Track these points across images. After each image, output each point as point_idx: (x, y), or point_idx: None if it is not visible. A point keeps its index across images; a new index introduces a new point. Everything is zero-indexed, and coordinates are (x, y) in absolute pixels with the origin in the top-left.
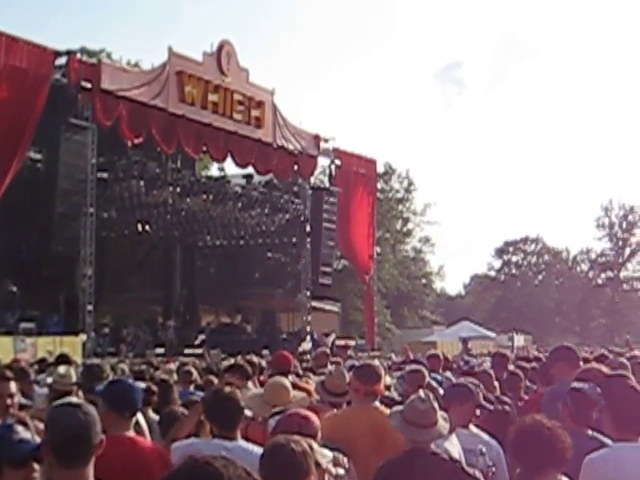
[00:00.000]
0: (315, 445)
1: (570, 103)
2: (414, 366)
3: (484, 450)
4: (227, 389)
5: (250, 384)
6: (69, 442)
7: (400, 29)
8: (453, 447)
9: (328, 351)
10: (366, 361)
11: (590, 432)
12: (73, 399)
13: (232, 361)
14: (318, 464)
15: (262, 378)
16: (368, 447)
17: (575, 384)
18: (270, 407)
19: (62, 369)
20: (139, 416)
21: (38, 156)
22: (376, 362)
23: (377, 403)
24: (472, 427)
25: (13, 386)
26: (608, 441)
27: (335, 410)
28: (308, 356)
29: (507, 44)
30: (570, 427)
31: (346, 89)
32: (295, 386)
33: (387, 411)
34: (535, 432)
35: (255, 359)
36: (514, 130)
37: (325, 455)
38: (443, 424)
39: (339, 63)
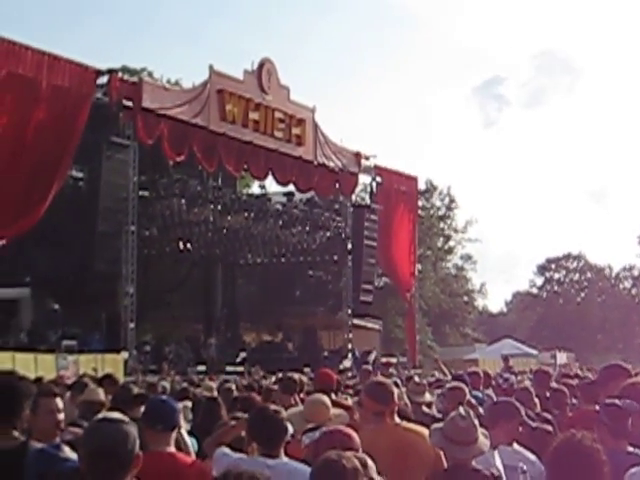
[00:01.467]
0: (370, 462)
1: (611, 121)
2: (454, 383)
3: (525, 468)
4: (273, 407)
5: (292, 401)
6: (101, 457)
7: (440, 44)
8: (495, 464)
9: (370, 368)
10: (377, 379)
11: (630, 448)
12: (113, 414)
13: (273, 379)
14: None
15: (302, 396)
16: (390, 466)
17: (610, 399)
18: (310, 425)
19: (92, 385)
20: (184, 433)
21: (80, 174)
22: (416, 378)
23: (397, 419)
24: (514, 444)
25: (59, 402)
26: None
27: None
28: (349, 374)
29: (547, 61)
30: (609, 443)
31: (387, 106)
32: (336, 404)
33: (405, 424)
34: (573, 449)
35: (296, 376)
36: (555, 146)
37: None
38: (484, 441)
39: (380, 80)
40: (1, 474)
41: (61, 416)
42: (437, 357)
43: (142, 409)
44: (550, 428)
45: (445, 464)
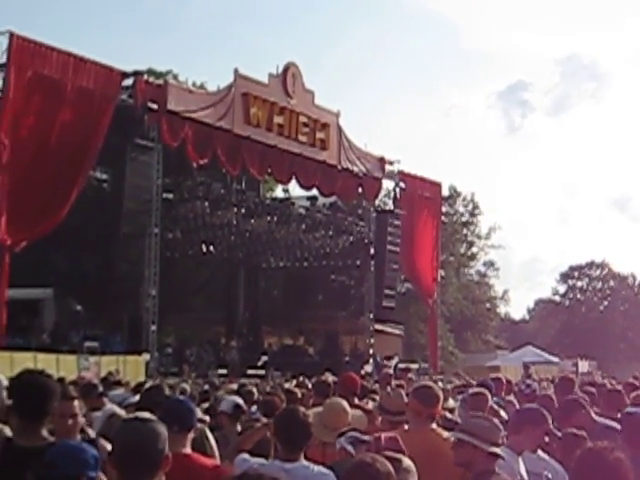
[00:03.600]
0: (407, 464)
1: (635, 129)
2: (477, 389)
3: (550, 476)
4: (300, 410)
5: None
6: (127, 456)
7: (464, 49)
8: (519, 471)
9: (391, 372)
10: (425, 382)
11: None
12: (144, 414)
13: (294, 383)
14: None
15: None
16: (424, 470)
17: (629, 409)
18: (328, 430)
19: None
20: (208, 434)
21: (104, 176)
22: (439, 384)
23: (434, 425)
24: (539, 451)
25: (76, 406)
26: None
27: (395, 430)
28: (370, 379)
29: (572, 67)
30: (627, 451)
31: (411, 111)
32: (358, 407)
33: (445, 433)
34: (597, 458)
35: (330, 379)
36: (579, 153)
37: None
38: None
39: (404, 85)
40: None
41: (74, 420)
42: (459, 372)
43: None
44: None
45: None
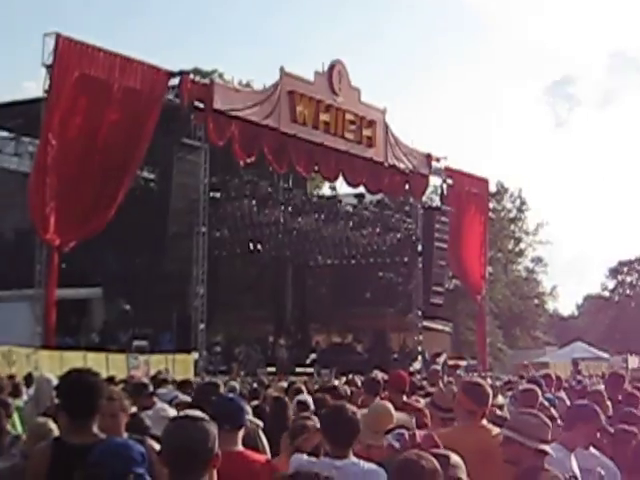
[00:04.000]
0: (455, 460)
1: None
2: (527, 385)
3: (602, 473)
4: (349, 407)
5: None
6: (177, 454)
7: (509, 43)
8: (571, 467)
9: (439, 368)
10: (475, 380)
11: None
12: (195, 412)
13: (343, 380)
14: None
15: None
16: (474, 467)
17: None
18: (371, 432)
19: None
20: (261, 434)
21: (151, 176)
22: (488, 380)
23: (485, 422)
24: (591, 448)
25: (116, 406)
26: None
27: (445, 427)
28: (419, 376)
29: (619, 60)
30: None
31: (457, 107)
32: (407, 405)
33: (495, 430)
34: None
35: (379, 377)
36: (627, 147)
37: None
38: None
39: (450, 80)
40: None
41: (118, 419)
42: (527, 363)
43: None
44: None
45: None
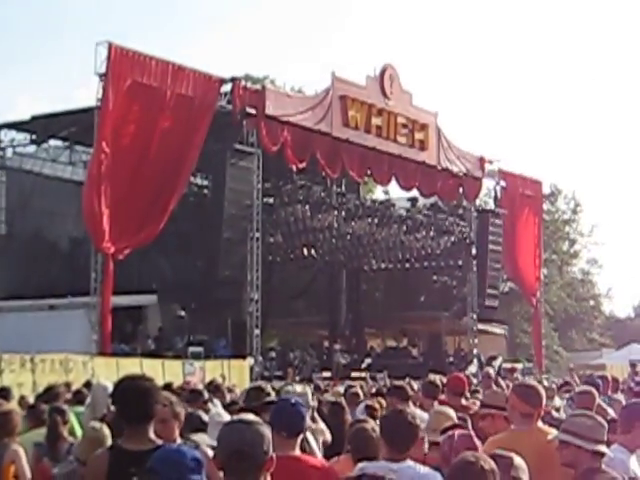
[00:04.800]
0: (518, 461)
1: None
2: (584, 387)
3: None
4: (410, 411)
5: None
6: (232, 458)
7: (554, 46)
8: (631, 468)
9: (492, 372)
10: (527, 382)
11: None
12: (249, 416)
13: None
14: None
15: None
16: (532, 470)
17: None
18: (431, 430)
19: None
20: (309, 436)
21: (205, 182)
22: (540, 383)
23: (540, 424)
24: None
25: (167, 411)
26: None
27: (495, 424)
28: (475, 379)
29: None
30: None
31: (511, 110)
32: (465, 408)
33: (550, 433)
34: None
35: (438, 380)
36: None
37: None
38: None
39: (502, 84)
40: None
41: (170, 424)
42: (571, 366)
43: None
44: None
45: None
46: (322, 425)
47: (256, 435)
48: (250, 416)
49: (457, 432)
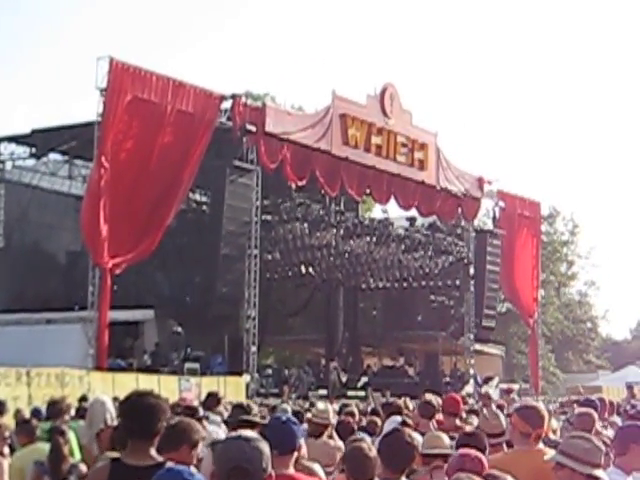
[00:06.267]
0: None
1: None
2: (583, 409)
3: None
4: (409, 432)
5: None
6: (231, 474)
7: (553, 67)
8: None
9: (490, 392)
10: (530, 402)
11: None
12: (248, 432)
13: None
14: None
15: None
16: None
17: None
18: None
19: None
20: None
21: (204, 198)
22: (540, 404)
23: (541, 445)
24: None
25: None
26: None
27: (495, 452)
28: (471, 400)
29: None
30: None
31: (510, 131)
32: (460, 428)
33: (551, 453)
34: None
35: (434, 400)
36: None
37: None
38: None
39: (501, 105)
40: None
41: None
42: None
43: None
44: None
45: None
46: (340, 442)
47: (255, 451)
48: (249, 432)
49: (467, 454)
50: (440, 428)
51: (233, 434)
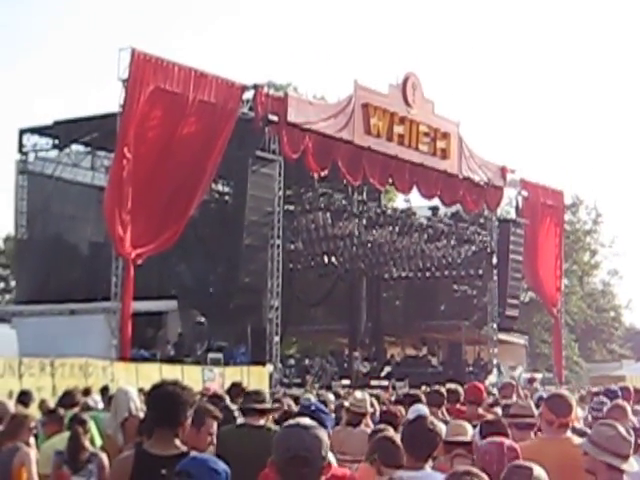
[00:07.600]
0: (538, 470)
1: None
2: (617, 401)
3: None
4: (431, 420)
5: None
6: (289, 463)
7: (578, 56)
8: None
9: (514, 382)
10: (557, 391)
11: None
12: (305, 420)
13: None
14: None
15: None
16: (556, 477)
17: None
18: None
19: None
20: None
21: (226, 189)
22: (567, 392)
23: (569, 433)
24: None
25: (216, 425)
26: None
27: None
28: (494, 389)
29: None
30: None
31: (533, 119)
32: (482, 417)
33: (579, 440)
34: None
35: (443, 389)
36: None
37: None
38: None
39: (524, 93)
40: None
41: (212, 438)
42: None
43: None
44: None
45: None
46: None
47: (315, 440)
48: (307, 420)
49: (506, 443)
50: (462, 417)
51: (291, 422)
